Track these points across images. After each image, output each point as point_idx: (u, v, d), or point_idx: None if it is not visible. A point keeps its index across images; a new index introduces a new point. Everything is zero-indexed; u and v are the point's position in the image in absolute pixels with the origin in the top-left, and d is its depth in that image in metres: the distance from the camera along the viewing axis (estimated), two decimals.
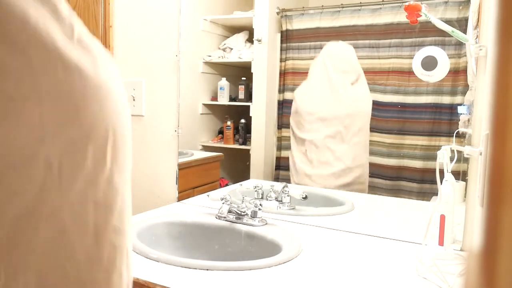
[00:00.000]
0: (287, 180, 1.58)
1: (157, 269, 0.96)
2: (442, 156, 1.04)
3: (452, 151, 1.05)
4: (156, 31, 1.63)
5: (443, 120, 1.36)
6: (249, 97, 1.71)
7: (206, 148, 1.81)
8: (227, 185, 1.75)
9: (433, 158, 1.07)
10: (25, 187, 0.43)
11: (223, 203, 1.26)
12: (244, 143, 1.74)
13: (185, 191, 1.62)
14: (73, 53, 0.46)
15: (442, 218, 1.05)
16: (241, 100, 1.74)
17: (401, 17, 1.37)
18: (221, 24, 1.80)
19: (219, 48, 1.79)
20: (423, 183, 1.39)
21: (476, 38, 1.08)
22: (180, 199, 1.58)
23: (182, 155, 1.64)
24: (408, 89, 1.40)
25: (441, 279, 0.92)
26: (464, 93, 1.30)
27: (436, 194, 1.07)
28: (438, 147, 1.06)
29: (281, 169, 1.64)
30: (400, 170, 1.43)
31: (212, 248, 1.24)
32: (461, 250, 1.09)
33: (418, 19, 1.06)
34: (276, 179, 1.64)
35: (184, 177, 1.61)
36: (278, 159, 1.64)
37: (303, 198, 1.31)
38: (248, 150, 1.69)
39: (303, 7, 1.59)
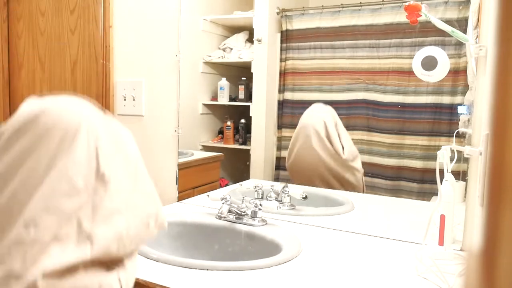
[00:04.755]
0: (287, 180, 1.58)
1: (157, 269, 0.96)
2: (442, 156, 1.04)
3: (452, 151, 1.05)
4: (156, 31, 1.63)
5: (443, 120, 1.36)
6: (249, 97, 1.71)
7: (206, 148, 1.80)
8: (227, 185, 1.75)
9: (433, 158, 1.07)
10: None
11: (223, 203, 1.26)
12: (244, 143, 1.74)
13: (185, 191, 1.62)
14: None
15: (442, 218, 1.05)
16: (241, 100, 1.74)
17: (401, 17, 1.37)
18: (221, 24, 1.80)
19: (219, 48, 1.79)
20: (423, 183, 1.39)
21: (476, 38, 1.08)
22: (180, 199, 1.58)
23: (182, 155, 1.64)
24: (408, 89, 1.40)
25: (441, 279, 0.92)
26: (464, 93, 1.30)
27: (436, 194, 1.07)
28: (438, 147, 1.06)
29: (281, 169, 1.64)
30: (400, 170, 1.43)
31: (212, 248, 1.24)
32: (461, 250, 1.09)
33: (418, 19, 1.06)
34: (276, 179, 1.64)
35: (184, 177, 1.61)
36: (278, 159, 1.64)
37: (303, 198, 1.31)
38: (248, 150, 1.69)
39: (303, 7, 1.59)
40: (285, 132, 1.63)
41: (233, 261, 1.03)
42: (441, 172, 1.04)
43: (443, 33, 1.07)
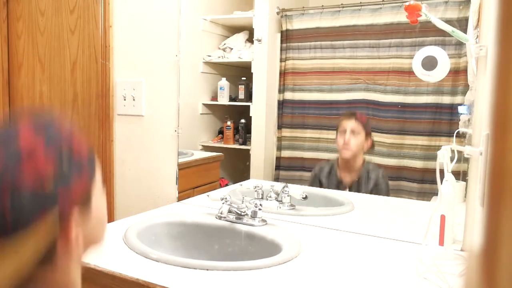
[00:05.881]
0: (287, 180, 1.58)
1: (157, 269, 0.96)
2: (442, 156, 1.04)
3: (452, 151, 1.05)
4: (156, 31, 1.63)
5: (443, 120, 1.36)
6: (249, 97, 1.71)
7: (206, 148, 1.80)
8: (227, 185, 1.75)
9: (433, 158, 1.07)
10: None
11: (223, 203, 1.26)
12: (244, 143, 1.74)
13: (185, 191, 1.62)
14: None
15: (442, 218, 1.05)
16: (241, 100, 1.74)
17: (401, 17, 1.37)
18: (221, 24, 1.80)
19: (219, 48, 1.79)
20: (423, 183, 1.39)
21: (477, 38, 1.08)
22: (180, 199, 1.58)
23: (182, 155, 1.64)
24: (408, 89, 1.40)
25: (441, 279, 0.92)
26: (464, 93, 1.30)
27: (436, 194, 1.07)
28: (438, 147, 1.06)
29: (281, 169, 1.64)
30: (400, 170, 1.43)
31: (212, 248, 1.24)
32: (461, 250, 1.09)
33: (418, 19, 1.06)
34: (276, 179, 1.64)
35: (184, 177, 1.61)
36: (278, 159, 1.64)
37: (303, 198, 1.31)
38: (248, 150, 1.69)
39: (303, 7, 1.59)
40: (285, 132, 1.63)
41: (233, 261, 1.03)
42: (441, 172, 1.04)
43: (443, 33, 1.07)
